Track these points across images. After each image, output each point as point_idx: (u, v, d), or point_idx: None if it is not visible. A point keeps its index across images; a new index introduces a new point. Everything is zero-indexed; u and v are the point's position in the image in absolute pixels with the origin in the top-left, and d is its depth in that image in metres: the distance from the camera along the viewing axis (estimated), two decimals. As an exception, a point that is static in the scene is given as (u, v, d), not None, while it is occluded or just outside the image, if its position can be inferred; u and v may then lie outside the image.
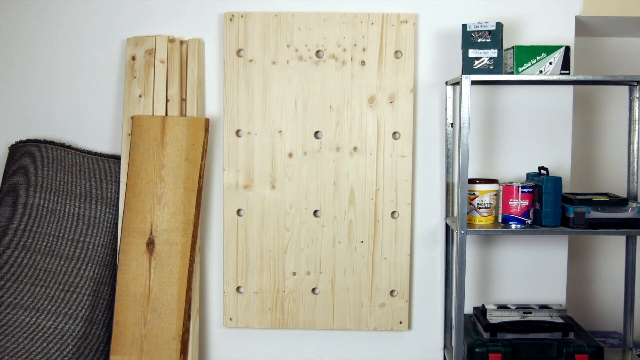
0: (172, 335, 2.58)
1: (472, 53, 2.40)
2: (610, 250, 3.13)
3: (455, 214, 2.71)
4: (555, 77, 2.37)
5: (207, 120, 2.67)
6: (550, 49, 2.40)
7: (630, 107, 2.63)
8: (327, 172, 2.71)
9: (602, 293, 3.14)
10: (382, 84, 2.68)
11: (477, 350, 2.40)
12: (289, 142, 2.71)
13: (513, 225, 2.44)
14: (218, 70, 2.75)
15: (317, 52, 2.69)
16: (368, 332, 2.79)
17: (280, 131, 2.71)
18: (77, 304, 2.56)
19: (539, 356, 2.42)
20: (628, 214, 2.39)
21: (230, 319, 2.76)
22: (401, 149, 2.69)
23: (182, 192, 2.62)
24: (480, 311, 2.60)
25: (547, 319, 2.54)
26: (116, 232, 2.67)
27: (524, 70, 2.40)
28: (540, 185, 2.42)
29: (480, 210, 2.47)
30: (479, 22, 2.41)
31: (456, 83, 2.56)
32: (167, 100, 2.68)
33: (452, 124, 2.69)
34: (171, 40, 2.69)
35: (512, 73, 2.43)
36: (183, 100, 2.69)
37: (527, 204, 2.43)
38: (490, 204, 2.48)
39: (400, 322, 2.73)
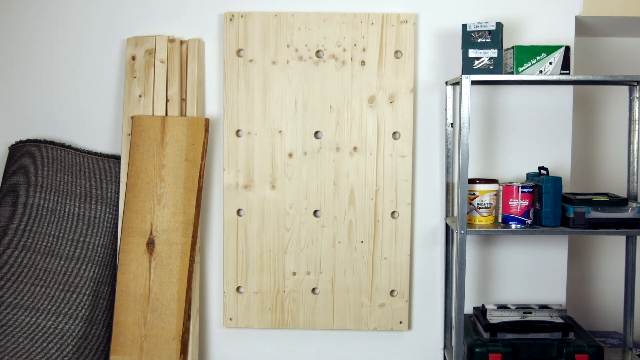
0: (172, 335, 2.58)
1: (472, 53, 2.40)
2: (610, 250, 3.13)
3: (455, 214, 2.71)
4: (555, 77, 2.37)
5: (207, 120, 2.67)
6: (550, 49, 2.40)
7: (630, 107, 2.63)
8: (327, 172, 2.71)
9: (602, 293, 3.14)
10: (382, 84, 2.68)
11: (477, 350, 2.40)
12: (289, 142, 2.71)
13: (513, 225, 2.44)
14: (218, 70, 2.75)
15: (317, 52, 2.69)
16: (368, 332, 2.79)
17: (280, 131, 2.71)
18: (77, 304, 2.56)
19: (539, 356, 2.42)
20: (628, 214, 2.39)
21: (230, 319, 2.76)
22: (401, 149, 2.69)
23: (182, 192, 2.62)
24: (480, 311, 2.60)
25: (547, 319, 2.54)
26: (116, 232, 2.67)
27: (524, 70, 2.40)
28: (540, 185, 2.42)
29: (480, 210, 2.47)
30: (479, 22, 2.41)
31: (456, 83, 2.56)
32: (167, 100, 2.68)
33: (452, 124, 2.69)
34: (171, 40, 2.69)
35: (512, 73, 2.43)
36: (183, 100, 2.69)
37: (527, 204, 2.43)
38: (490, 204, 2.48)
39: (400, 322, 2.73)
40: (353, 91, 2.68)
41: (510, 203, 2.44)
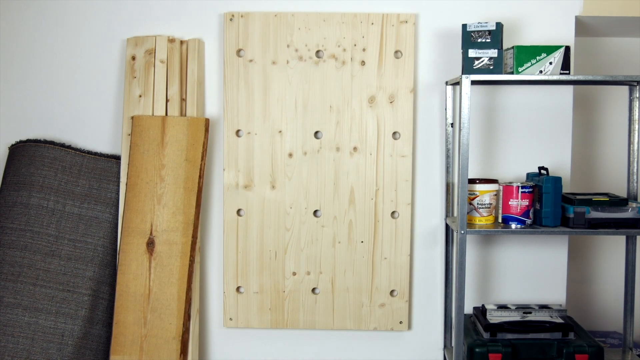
0: (172, 335, 2.58)
1: (472, 53, 2.40)
2: (610, 250, 3.13)
3: (455, 214, 2.71)
4: (555, 77, 2.37)
5: (207, 120, 2.67)
6: (550, 49, 2.40)
7: (630, 107, 2.63)
8: (327, 172, 2.71)
9: (602, 293, 3.14)
10: (382, 84, 2.68)
11: (477, 350, 2.40)
12: (289, 142, 2.71)
13: (513, 225, 2.44)
14: (218, 70, 2.75)
15: (317, 52, 2.69)
16: (368, 332, 2.79)
17: (280, 131, 2.71)
18: (77, 304, 2.56)
19: (539, 356, 2.42)
20: (628, 214, 2.39)
21: (230, 319, 2.76)
22: (401, 149, 2.69)
23: (182, 192, 2.62)
24: (480, 311, 2.60)
25: (547, 319, 2.54)
26: (116, 232, 2.67)
27: (524, 70, 2.40)
28: (540, 185, 2.42)
29: (480, 210, 2.47)
30: (479, 22, 2.41)
31: (456, 83, 2.56)
32: (167, 100, 2.68)
33: (452, 124, 2.69)
34: (171, 40, 2.69)
35: (512, 73, 2.43)
36: (183, 100, 2.69)
37: (527, 204, 2.43)
38: (490, 204, 2.48)
39: (400, 322, 2.73)
40: (353, 91, 2.68)
41: (510, 203, 2.44)
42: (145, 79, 2.68)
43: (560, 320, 2.51)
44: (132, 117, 2.67)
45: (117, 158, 2.73)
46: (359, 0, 2.69)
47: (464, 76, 2.33)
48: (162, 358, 2.56)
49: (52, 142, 2.69)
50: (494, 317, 2.55)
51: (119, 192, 2.68)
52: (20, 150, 2.70)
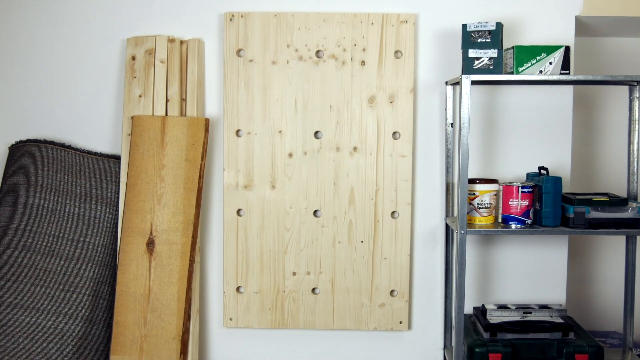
0: (172, 335, 2.58)
1: (472, 53, 2.40)
2: (610, 250, 3.13)
3: (455, 214, 2.71)
4: (555, 77, 2.37)
5: (207, 120, 2.67)
6: (550, 49, 2.40)
7: (630, 107, 2.63)
8: (327, 172, 2.71)
9: (602, 293, 3.14)
10: (382, 84, 2.68)
11: (477, 350, 2.40)
12: (289, 142, 2.71)
13: (513, 225, 2.44)
14: (218, 70, 2.75)
15: (317, 52, 2.69)
16: (368, 332, 2.79)
17: (280, 131, 2.71)
18: (77, 304, 2.56)
19: (539, 356, 2.42)
20: (628, 214, 2.39)
21: (230, 319, 2.76)
22: (401, 149, 2.69)
23: (182, 192, 2.62)
24: (480, 311, 2.60)
25: (547, 319, 2.54)
26: (116, 232, 2.67)
27: (524, 70, 2.40)
28: (540, 185, 2.42)
29: (480, 210, 2.47)
30: (479, 22, 2.41)
31: (456, 83, 2.56)
32: (167, 100, 2.68)
33: (452, 124, 2.69)
34: (171, 40, 2.69)
35: (512, 73, 2.43)
36: (183, 100, 2.69)
37: (527, 204, 2.43)
38: (490, 204, 2.48)
39: (400, 322, 2.73)
40: (353, 91, 2.68)
41: (510, 203, 2.44)
42: (145, 79, 2.68)
43: (560, 320, 2.52)
44: (132, 117, 2.67)
45: (117, 158, 2.73)
46: (359, 0, 2.69)
47: (464, 76, 2.33)
48: (162, 358, 2.56)
49: (52, 142, 2.69)
50: (494, 317, 2.55)
51: (119, 192, 2.68)
52: (20, 150, 2.70)
